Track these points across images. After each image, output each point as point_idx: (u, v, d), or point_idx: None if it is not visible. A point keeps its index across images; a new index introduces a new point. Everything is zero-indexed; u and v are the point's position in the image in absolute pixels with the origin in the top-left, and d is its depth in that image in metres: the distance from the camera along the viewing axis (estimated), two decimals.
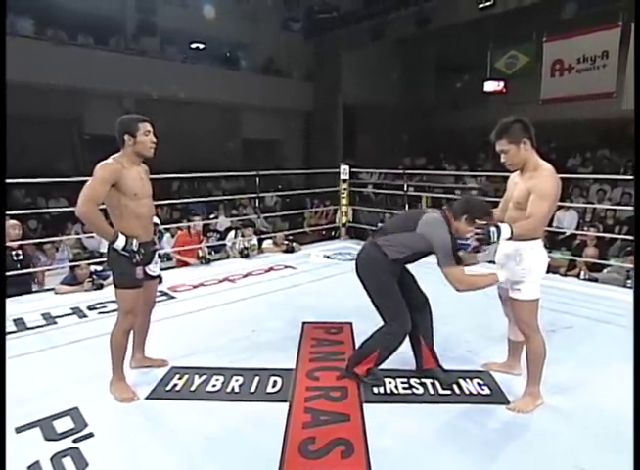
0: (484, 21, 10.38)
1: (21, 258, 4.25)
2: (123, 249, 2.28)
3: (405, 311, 2.37)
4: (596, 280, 4.67)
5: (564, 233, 5.51)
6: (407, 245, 2.34)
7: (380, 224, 2.61)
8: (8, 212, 4.19)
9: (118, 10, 11.09)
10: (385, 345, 2.39)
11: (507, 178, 2.49)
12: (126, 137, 2.35)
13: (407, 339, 2.46)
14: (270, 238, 6.08)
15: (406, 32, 11.55)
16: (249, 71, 13.03)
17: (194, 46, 12.78)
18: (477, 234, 2.03)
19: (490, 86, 13.10)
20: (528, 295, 2.22)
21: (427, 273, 2.62)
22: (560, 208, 6.67)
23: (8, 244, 4.14)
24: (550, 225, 1.93)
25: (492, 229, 2.01)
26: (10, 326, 3.32)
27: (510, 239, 2.08)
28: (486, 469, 1.89)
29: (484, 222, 2.09)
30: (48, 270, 4.54)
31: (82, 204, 2.20)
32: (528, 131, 2.22)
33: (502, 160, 2.27)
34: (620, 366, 2.39)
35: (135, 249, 2.31)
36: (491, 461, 1.93)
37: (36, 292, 4.23)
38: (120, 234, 2.29)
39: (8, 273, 3.92)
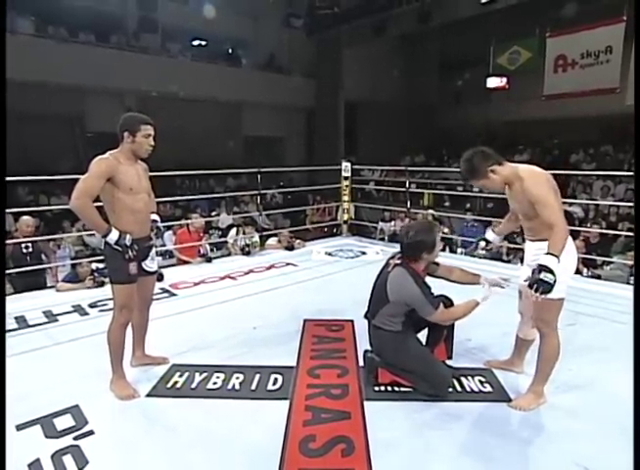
0: (487, 16, 10.33)
1: (30, 250, 4.28)
2: (116, 243, 2.28)
3: (440, 370, 2.36)
4: (599, 277, 4.65)
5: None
6: (395, 314, 2.35)
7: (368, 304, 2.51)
8: (9, 210, 4.20)
9: (119, 7, 11.09)
10: (420, 389, 2.36)
11: None
12: (125, 134, 2.35)
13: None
14: (275, 235, 6.06)
15: (408, 28, 11.51)
16: (250, 68, 13.01)
17: (195, 43, 12.76)
18: (537, 290, 1.91)
19: (493, 82, 13.06)
20: (555, 294, 2.10)
21: None
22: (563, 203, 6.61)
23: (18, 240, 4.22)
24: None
25: (544, 275, 1.90)
26: (11, 323, 3.33)
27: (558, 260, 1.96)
28: (487, 467, 1.88)
29: (531, 275, 1.96)
30: (49, 268, 4.55)
31: (76, 197, 2.21)
32: (489, 157, 2.18)
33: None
34: (623, 364, 2.36)
35: (128, 244, 2.31)
36: (492, 459, 1.92)
37: (52, 287, 4.24)
38: (114, 228, 2.28)
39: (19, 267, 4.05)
